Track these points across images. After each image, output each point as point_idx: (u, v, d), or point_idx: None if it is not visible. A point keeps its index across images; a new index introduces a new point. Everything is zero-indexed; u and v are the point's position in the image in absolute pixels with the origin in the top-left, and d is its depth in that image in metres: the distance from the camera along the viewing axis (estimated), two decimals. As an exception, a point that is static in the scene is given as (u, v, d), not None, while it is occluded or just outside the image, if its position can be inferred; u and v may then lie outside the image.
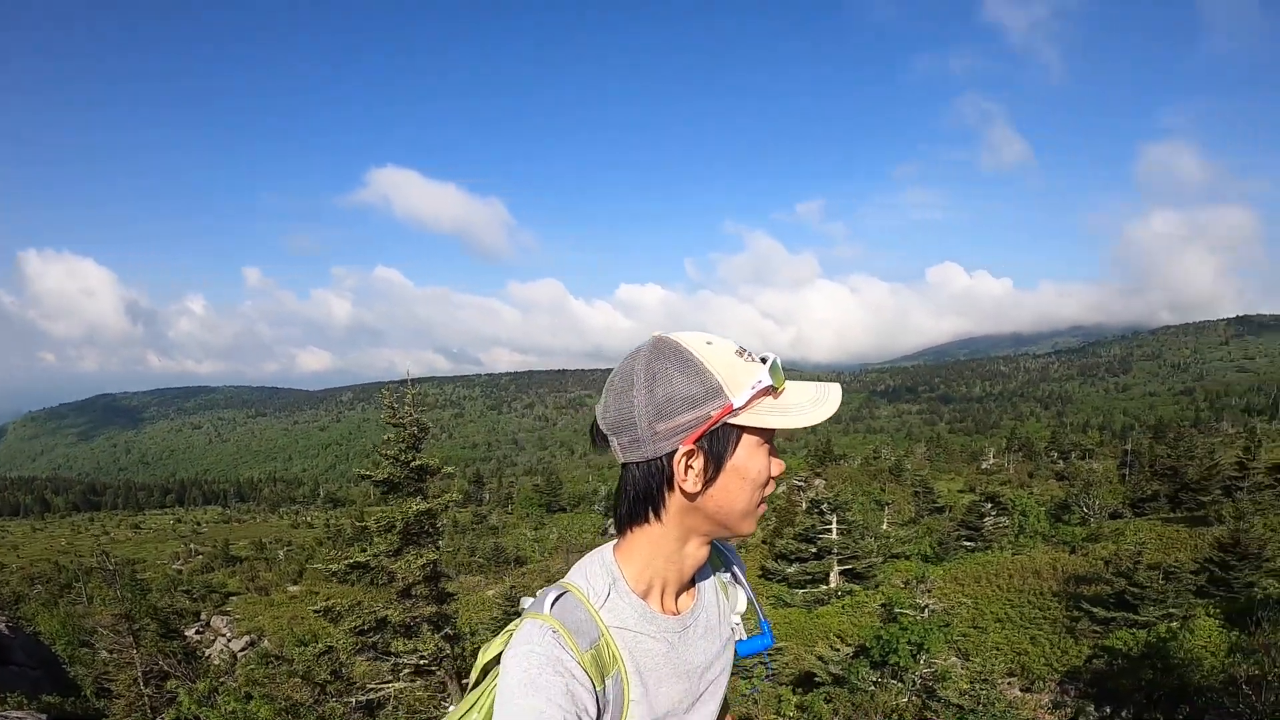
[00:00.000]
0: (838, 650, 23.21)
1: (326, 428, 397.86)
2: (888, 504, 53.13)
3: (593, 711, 1.32)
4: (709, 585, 1.64)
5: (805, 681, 23.05)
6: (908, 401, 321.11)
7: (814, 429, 1.47)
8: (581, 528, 63.28)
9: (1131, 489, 54.69)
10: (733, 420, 1.35)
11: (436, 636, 13.57)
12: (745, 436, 1.38)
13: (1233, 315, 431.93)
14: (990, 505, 45.15)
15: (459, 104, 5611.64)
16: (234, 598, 50.06)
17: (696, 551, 1.48)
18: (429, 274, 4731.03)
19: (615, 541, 1.52)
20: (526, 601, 1.49)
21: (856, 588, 34.80)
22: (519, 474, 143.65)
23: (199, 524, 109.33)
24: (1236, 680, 15.33)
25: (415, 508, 13.43)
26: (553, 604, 1.39)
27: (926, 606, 25.23)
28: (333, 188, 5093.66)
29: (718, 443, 1.36)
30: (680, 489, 1.37)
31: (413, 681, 13.92)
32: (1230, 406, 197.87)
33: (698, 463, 1.36)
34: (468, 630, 22.09)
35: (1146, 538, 39.23)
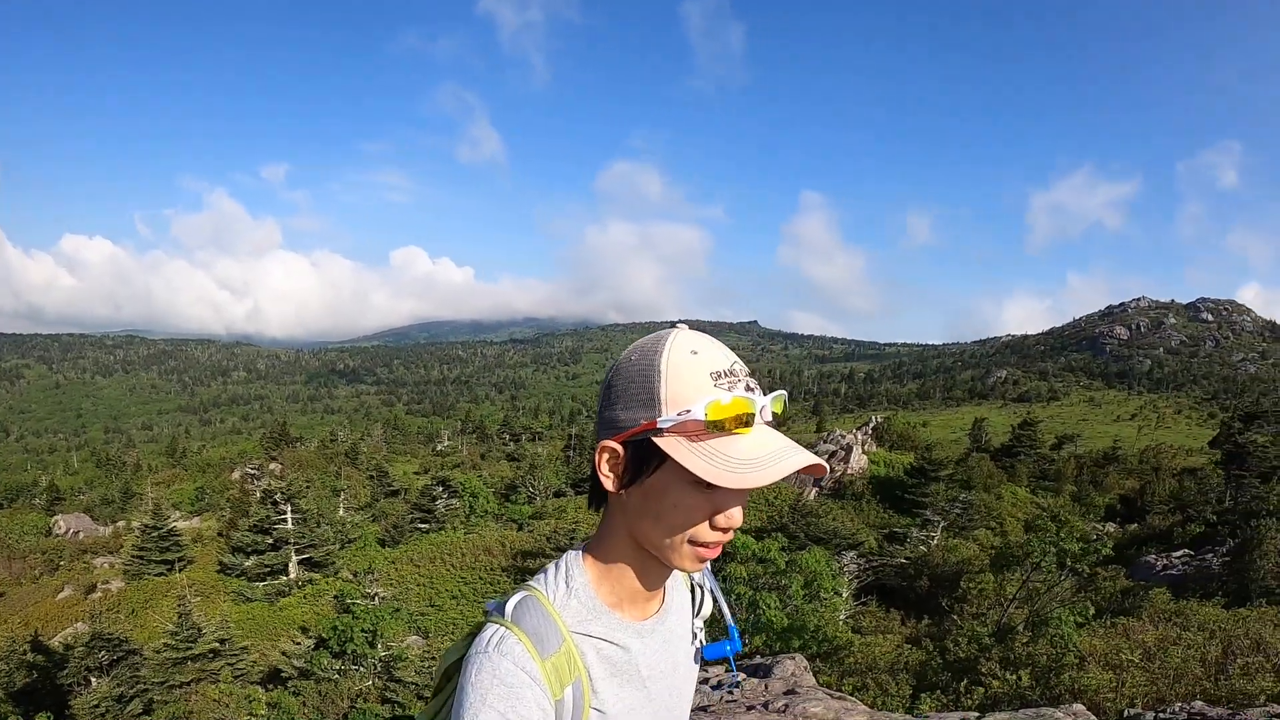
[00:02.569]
0: (299, 644, 23.92)
1: None
2: (343, 489, 53.67)
3: None
4: (677, 589, 1.58)
5: (274, 677, 23.40)
6: (366, 382, 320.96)
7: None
8: (22, 528, 55.11)
9: (574, 470, 61.03)
10: (657, 440, 1.25)
11: None
12: (671, 465, 1.26)
13: (675, 319, 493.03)
14: (442, 488, 47.78)
15: None
16: None
17: (655, 565, 1.40)
18: None
19: (584, 543, 1.47)
20: (490, 603, 1.44)
21: (317, 576, 35.35)
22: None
23: None
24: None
25: None
26: (514, 608, 1.34)
27: (377, 595, 26.94)
28: None
29: (638, 454, 1.28)
30: (605, 483, 1.33)
31: None
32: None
33: (617, 466, 1.31)
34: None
35: (584, 515, 44.31)
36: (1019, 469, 51.34)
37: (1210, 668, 9.55)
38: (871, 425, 57.31)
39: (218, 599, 33.07)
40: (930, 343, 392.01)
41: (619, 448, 1.29)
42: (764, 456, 1.22)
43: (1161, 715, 6.92)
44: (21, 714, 21.44)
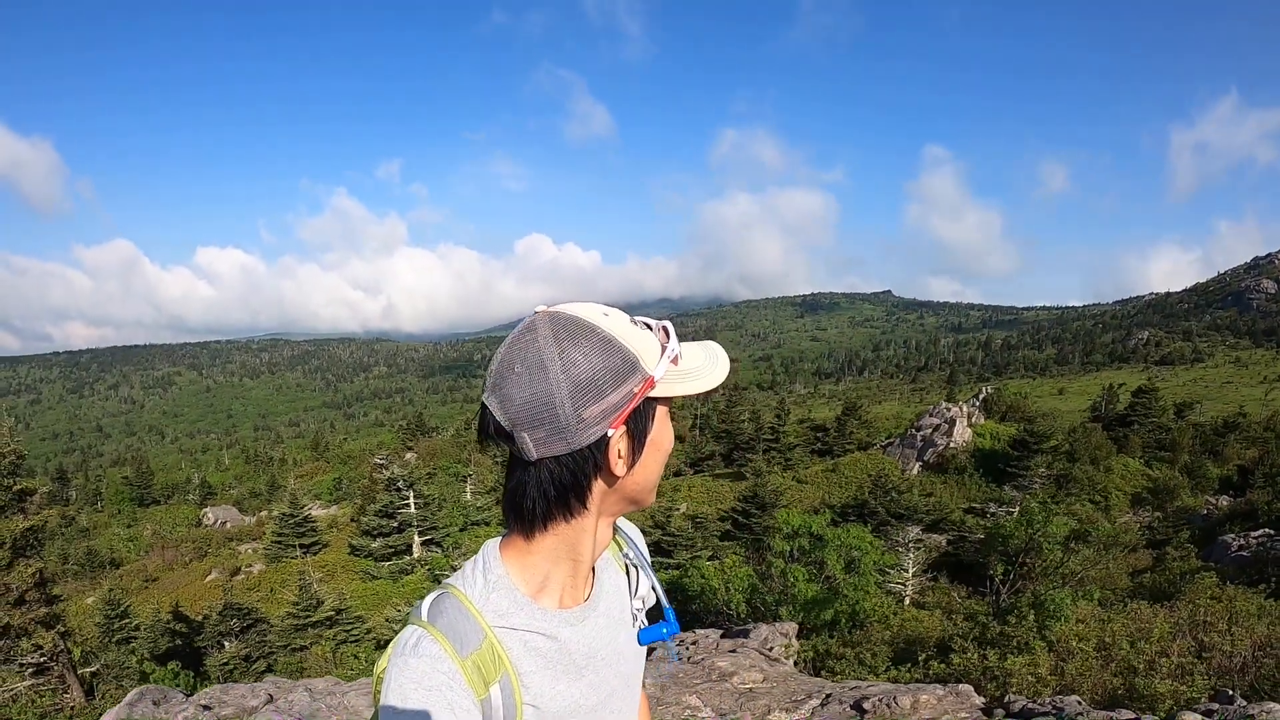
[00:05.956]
0: (400, 610, 26.10)
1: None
2: (469, 475, 56.01)
3: None
4: (609, 569, 1.49)
5: (385, 646, 25.53)
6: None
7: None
8: (175, 521, 60.40)
9: (693, 449, 61.73)
10: (652, 394, 1.24)
11: (52, 633, 15.46)
12: (659, 408, 1.29)
13: (806, 293, 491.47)
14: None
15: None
16: None
17: (604, 535, 1.35)
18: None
19: (504, 534, 1.35)
20: (413, 607, 1.33)
21: (438, 554, 37.46)
22: (106, 465, 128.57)
23: None
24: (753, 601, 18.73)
25: (21, 525, 15.23)
26: (429, 607, 1.26)
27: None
28: None
29: (641, 419, 1.25)
30: (609, 474, 1.25)
31: (38, 679, 15.37)
32: (803, 371, 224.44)
33: (625, 445, 1.24)
34: (78, 630, 22.41)
35: (697, 493, 45.44)
36: (1132, 439, 49.52)
37: (1165, 664, 9.04)
38: (981, 397, 56.06)
39: (347, 577, 35.76)
40: (1070, 304, 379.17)
41: (623, 428, 1.23)
42: (703, 359, 1.34)
43: (1030, 705, 7.28)
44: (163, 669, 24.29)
